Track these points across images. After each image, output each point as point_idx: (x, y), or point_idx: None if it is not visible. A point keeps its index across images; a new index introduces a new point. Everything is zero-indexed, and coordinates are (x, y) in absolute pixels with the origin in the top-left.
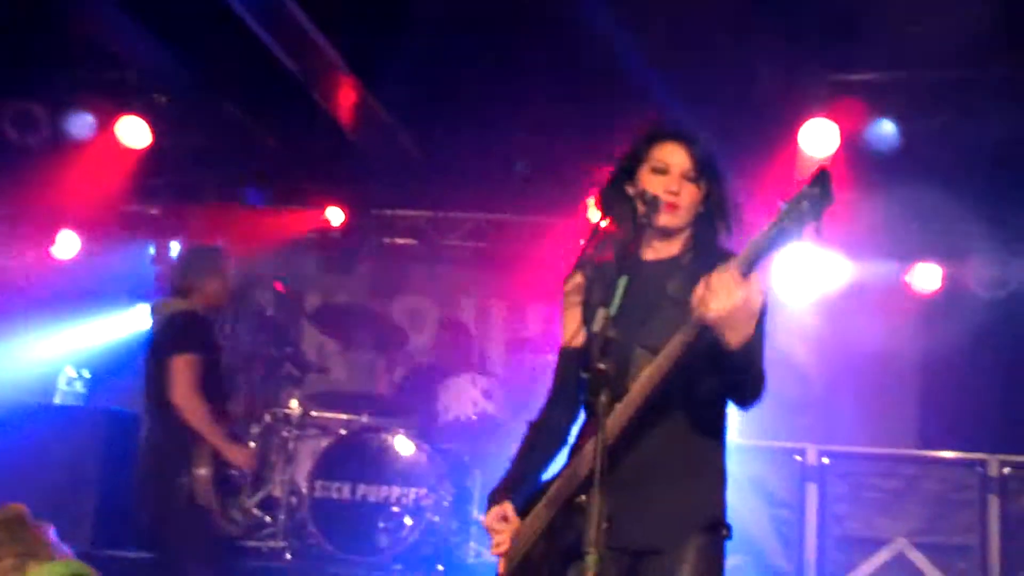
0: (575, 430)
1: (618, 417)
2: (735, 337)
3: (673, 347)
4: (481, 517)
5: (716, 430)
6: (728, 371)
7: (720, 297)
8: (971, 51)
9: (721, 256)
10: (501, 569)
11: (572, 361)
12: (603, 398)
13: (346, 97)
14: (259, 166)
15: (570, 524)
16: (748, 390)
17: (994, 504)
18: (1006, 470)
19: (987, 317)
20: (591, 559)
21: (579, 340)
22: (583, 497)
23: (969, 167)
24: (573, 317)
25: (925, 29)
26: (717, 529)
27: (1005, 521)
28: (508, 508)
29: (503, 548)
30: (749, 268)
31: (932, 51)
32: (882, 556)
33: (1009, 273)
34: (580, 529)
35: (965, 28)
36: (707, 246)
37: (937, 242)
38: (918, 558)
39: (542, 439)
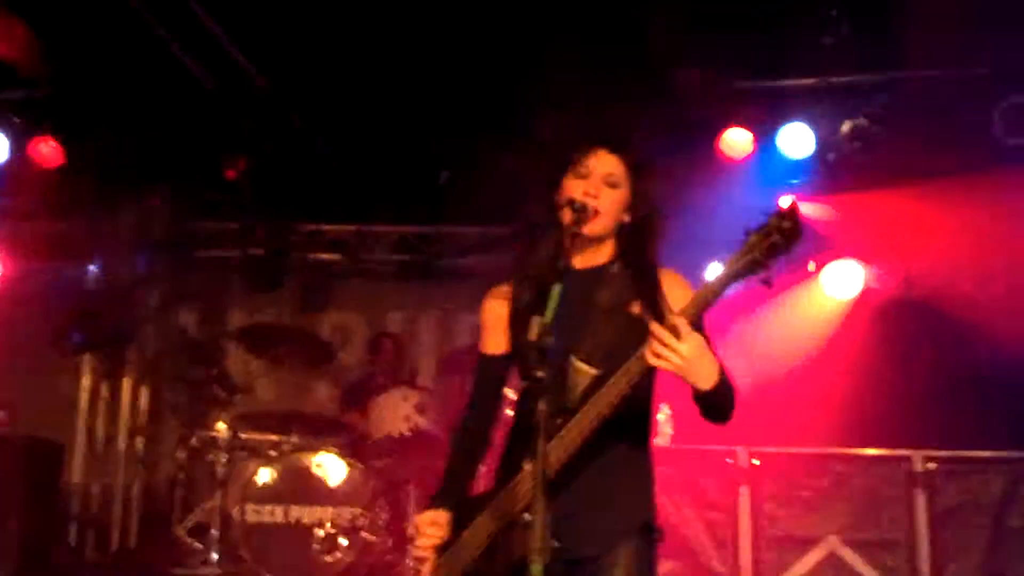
0: (502, 435)
1: (564, 447)
2: (704, 383)
3: (619, 386)
4: None
5: (643, 435)
6: (707, 408)
7: (669, 356)
8: (879, 56)
9: (648, 267)
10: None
11: (492, 369)
12: (542, 406)
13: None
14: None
15: (514, 540)
16: (726, 415)
17: (920, 499)
18: (931, 465)
19: (907, 316)
20: (536, 569)
21: (501, 349)
22: (527, 515)
23: (880, 170)
24: (495, 326)
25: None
26: (649, 532)
27: (932, 515)
28: (440, 515)
29: (424, 552)
30: (702, 313)
31: (845, 57)
32: (814, 555)
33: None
34: (524, 546)
35: (877, 34)
36: (635, 254)
37: (856, 243)
38: (849, 555)
39: (466, 446)
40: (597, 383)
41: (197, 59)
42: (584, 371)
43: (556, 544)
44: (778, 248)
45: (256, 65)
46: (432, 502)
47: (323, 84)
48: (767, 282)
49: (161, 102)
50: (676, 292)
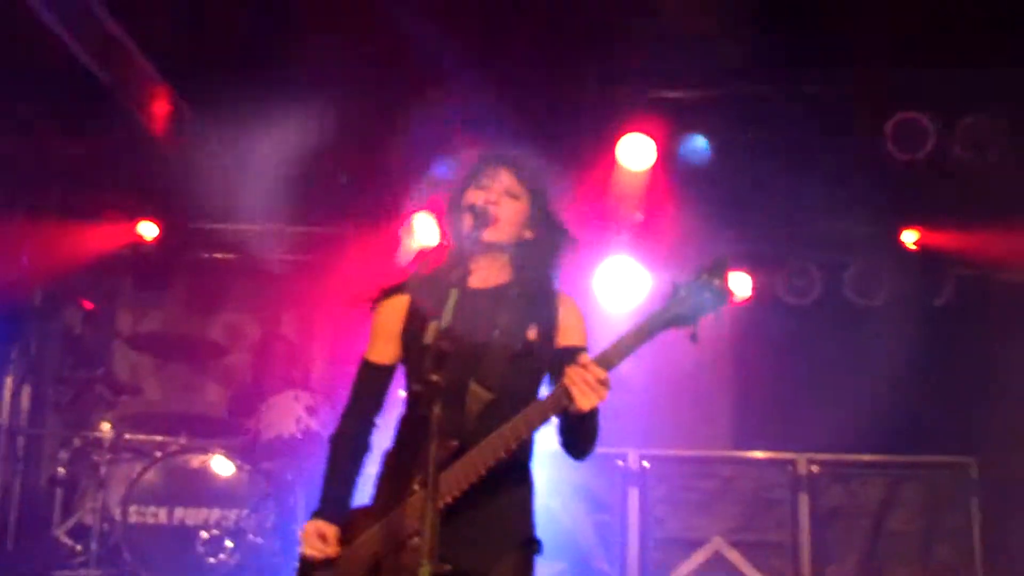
0: (384, 452)
1: (462, 478)
2: (587, 406)
3: (531, 423)
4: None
5: (527, 452)
6: (578, 436)
7: (590, 397)
8: (777, 69)
9: (547, 292)
10: None
11: (375, 377)
12: (436, 411)
13: (159, 107)
14: (66, 177)
15: (401, 564)
16: (589, 450)
17: (804, 501)
18: (814, 468)
19: (794, 323)
20: (424, 571)
21: (387, 359)
22: (416, 540)
23: (776, 181)
24: (385, 336)
25: (738, 48)
26: (530, 546)
27: (814, 517)
28: (329, 529)
29: (309, 560)
30: (621, 360)
31: (741, 68)
32: (700, 556)
33: (813, 281)
34: (411, 571)
35: (775, 47)
36: (533, 277)
37: (747, 252)
38: (734, 556)
39: (347, 452)
40: (491, 407)
41: (87, 49)
42: (479, 394)
43: (447, 568)
44: (706, 308)
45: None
46: (316, 513)
47: (217, 81)
48: (693, 338)
49: (50, 92)
50: (572, 319)
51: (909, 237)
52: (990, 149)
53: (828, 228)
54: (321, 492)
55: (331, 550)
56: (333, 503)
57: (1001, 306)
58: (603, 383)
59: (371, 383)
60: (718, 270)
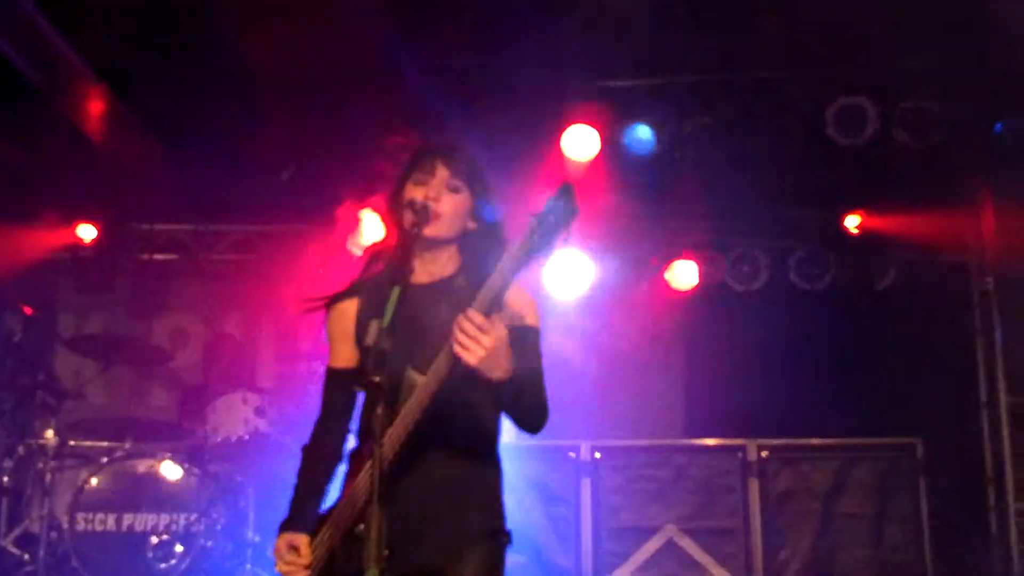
0: (348, 452)
1: (391, 441)
2: (497, 373)
3: (435, 374)
4: (257, 539)
5: (492, 442)
6: (505, 404)
7: (471, 347)
8: (720, 58)
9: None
10: None
11: (341, 383)
12: (379, 411)
13: (94, 106)
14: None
15: (351, 554)
16: (530, 419)
17: (754, 487)
18: (764, 453)
19: (740, 309)
20: (372, 574)
21: (350, 363)
22: (361, 527)
23: (720, 169)
24: (342, 340)
25: (680, 37)
26: (498, 536)
27: (765, 502)
28: (300, 539)
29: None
30: (493, 304)
31: (686, 58)
32: (653, 544)
33: (758, 267)
34: (361, 559)
35: (716, 36)
36: (477, 268)
37: (692, 240)
38: (687, 543)
39: (318, 462)
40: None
41: (18, 48)
42: (415, 380)
43: (386, 552)
44: (555, 229)
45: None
46: (286, 524)
47: (154, 80)
48: (547, 257)
49: None
50: (517, 302)
51: (852, 222)
52: (930, 133)
53: (772, 214)
54: (289, 503)
55: (304, 560)
56: (301, 512)
57: (943, 288)
58: (478, 334)
59: (337, 390)
60: (561, 191)
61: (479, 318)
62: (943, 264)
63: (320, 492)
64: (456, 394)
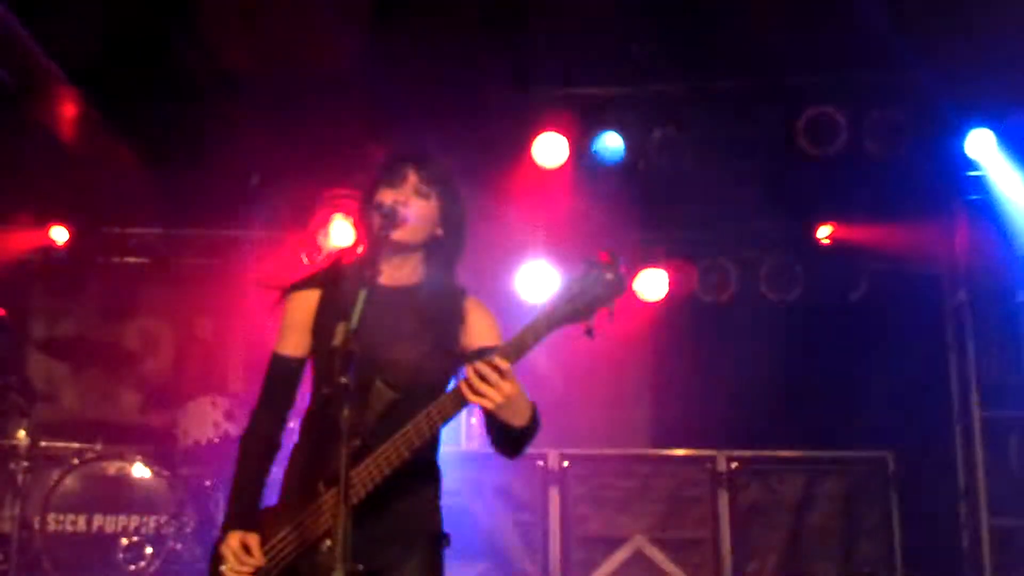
0: (291, 436)
1: (368, 479)
2: (518, 420)
3: (432, 421)
4: None
5: (434, 448)
6: (510, 443)
7: (490, 394)
8: (689, 67)
9: (454, 294)
10: None
11: (287, 370)
12: (345, 413)
13: (66, 110)
14: None
15: (316, 566)
16: (523, 449)
17: (723, 498)
18: (733, 465)
19: (710, 320)
20: (338, 574)
21: (299, 351)
22: (328, 543)
23: (690, 178)
24: (297, 328)
25: (647, 46)
26: (438, 541)
27: (734, 513)
28: (252, 539)
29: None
30: (518, 354)
31: (654, 67)
32: (622, 554)
33: (728, 277)
34: (325, 571)
35: (683, 45)
36: (442, 278)
37: (661, 250)
38: (655, 554)
39: (259, 453)
40: (395, 406)
41: None
42: (384, 392)
43: (360, 568)
44: (600, 301)
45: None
46: (235, 523)
47: (126, 84)
48: (589, 333)
49: None
50: (480, 320)
51: (823, 232)
52: (899, 143)
53: (742, 224)
54: (234, 500)
55: (257, 560)
56: (248, 509)
57: (915, 300)
58: (500, 381)
59: (282, 377)
60: (610, 263)
61: (504, 364)
62: (916, 276)
63: (261, 485)
64: (414, 408)
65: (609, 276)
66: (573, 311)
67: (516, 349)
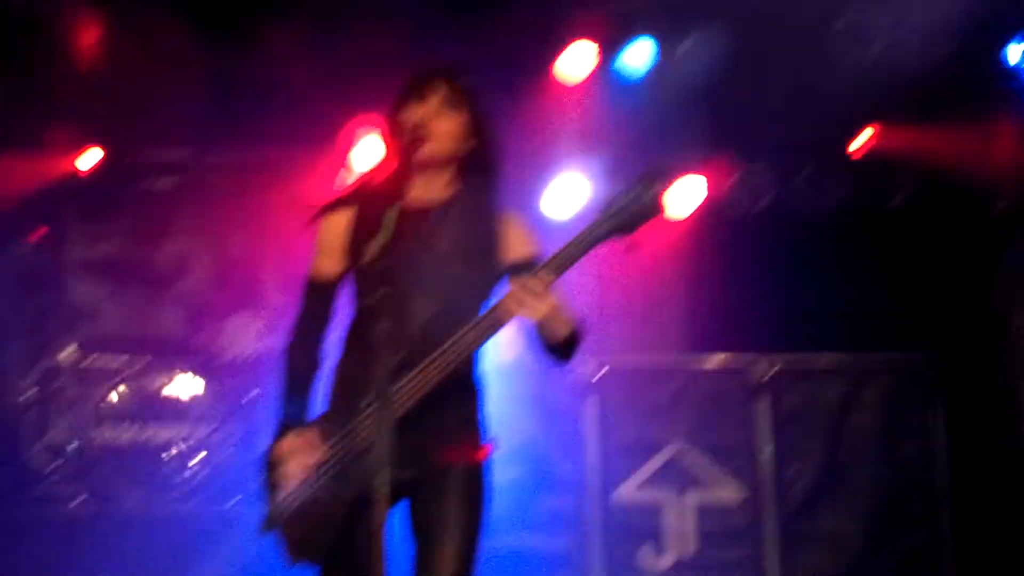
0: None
1: (411, 393)
2: (563, 329)
3: (478, 335)
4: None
5: (478, 360)
6: (558, 351)
7: (535, 307)
8: None
9: (490, 213)
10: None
11: (323, 290)
12: (383, 326)
13: (91, 33)
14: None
15: (361, 472)
16: (572, 356)
17: (764, 402)
18: (775, 368)
19: (747, 228)
20: (383, 476)
21: (335, 271)
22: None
23: (723, 83)
24: (330, 250)
25: None
26: (482, 448)
27: (776, 418)
28: (310, 434)
29: (300, 477)
30: (563, 269)
31: None
32: (660, 458)
33: (764, 185)
34: (368, 474)
35: None
36: (476, 191)
37: (693, 159)
38: (694, 459)
39: (302, 363)
40: (435, 319)
41: None
42: (425, 306)
43: (406, 472)
44: (644, 216)
45: None
46: (290, 421)
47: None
48: (633, 248)
49: None
50: (518, 233)
51: (862, 139)
52: (939, 49)
53: (779, 132)
54: (285, 403)
55: (318, 452)
56: (300, 412)
57: (957, 207)
58: (543, 295)
59: (318, 299)
60: (654, 179)
61: (550, 277)
62: (957, 183)
63: (308, 392)
64: (457, 321)
65: (651, 192)
66: (619, 225)
67: (561, 263)
